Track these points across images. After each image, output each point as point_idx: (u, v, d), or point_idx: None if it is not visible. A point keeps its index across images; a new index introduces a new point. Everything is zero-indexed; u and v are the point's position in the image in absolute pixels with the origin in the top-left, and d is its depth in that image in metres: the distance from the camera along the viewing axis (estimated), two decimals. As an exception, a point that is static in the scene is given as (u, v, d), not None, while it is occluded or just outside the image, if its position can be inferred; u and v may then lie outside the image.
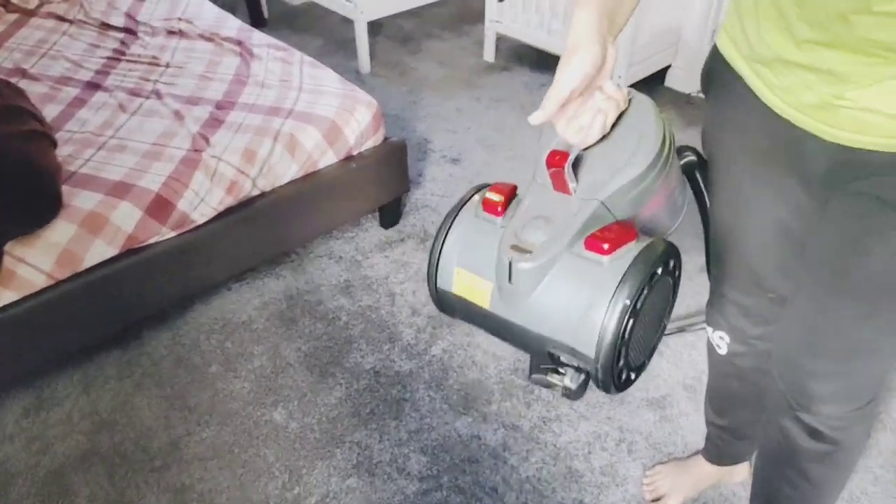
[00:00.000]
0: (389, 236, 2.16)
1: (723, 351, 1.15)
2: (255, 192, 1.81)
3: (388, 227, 2.19)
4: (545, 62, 3.03)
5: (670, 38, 2.80)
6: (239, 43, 2.25)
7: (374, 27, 3.28)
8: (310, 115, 1.89)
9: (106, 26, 2.38)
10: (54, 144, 1.63)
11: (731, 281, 1.04)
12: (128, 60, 2.17)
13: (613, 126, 0.74)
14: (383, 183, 2.06)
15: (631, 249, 0.69)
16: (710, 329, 1.15)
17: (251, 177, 1.76)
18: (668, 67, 2.90)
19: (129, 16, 2.44)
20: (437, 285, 0.78)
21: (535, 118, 0.69)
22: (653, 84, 2.89)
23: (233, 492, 1.47)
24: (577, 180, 0.72)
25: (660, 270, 0.70)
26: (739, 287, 1.03)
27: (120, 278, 1.62)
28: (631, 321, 0.68)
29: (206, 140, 1.77)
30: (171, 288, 1.76)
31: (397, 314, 1.88)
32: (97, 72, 2.10)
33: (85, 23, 2.39)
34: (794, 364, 0.89)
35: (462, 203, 0.80)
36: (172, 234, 1.68)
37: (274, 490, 1.47)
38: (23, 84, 2.01)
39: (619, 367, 0.71)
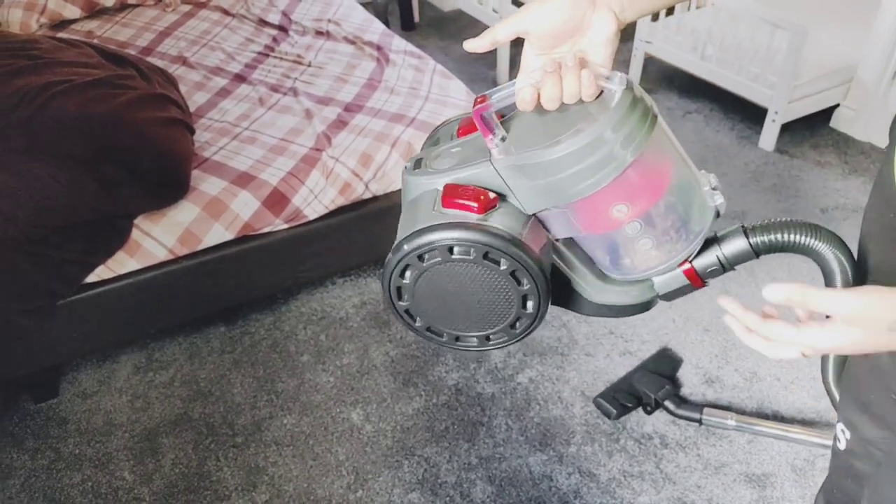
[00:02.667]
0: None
1: (842, 445, 1.00)
2: (367, 195, 1.85)
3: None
4: (695, 88, 2.85)
5: (843, 75, 2.53)
6: (378, 48, 2.32)
7: (519, 38, 3.25)
8: (430, 125, 1.90)
9: (263, 22, 2.54)
10: (191, 131, 1.76)
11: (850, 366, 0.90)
12: (275, 56, 2.30)
13: (575, 105, 0.65)
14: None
15: (467, 217, 0.64)
16: (837, 415, 1.01)
17: (364, 180, 1.81)
18: (836, 106, 2.62)
19: (284, 14, 2.59)
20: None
21: (468, 44, 0.66)
22: (816, 123, 2.63)
23: (300, 482, 1.51)
24: (504, 134, 0.66)
25: (472, 252, 0.63)
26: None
27: (232, 261, 1.73)
28: (414, 269, 0.65)
29: (329, 140, 1.84)
30: (279, 276, 1.85)
31: (489, 334, 1.85)
32: (246, 65, 2.25)
33: (245, 17, 2.58)
34: None
35: (463, 115, 0.80)
36: (285, 225, 1.76)
37: (339, 489, 1.50)
38: (181, 71, 2.20)
39: (403, 306, 0.69)
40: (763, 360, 1.75)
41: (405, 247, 0.64)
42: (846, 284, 0.67)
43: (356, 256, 1.95)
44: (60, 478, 1.52)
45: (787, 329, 0.58)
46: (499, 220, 0.64)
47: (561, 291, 0.73)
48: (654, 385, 1.62)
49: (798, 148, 2.54)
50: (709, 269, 0.70)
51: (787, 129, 2.54)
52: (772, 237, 0.66)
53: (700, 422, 1.56)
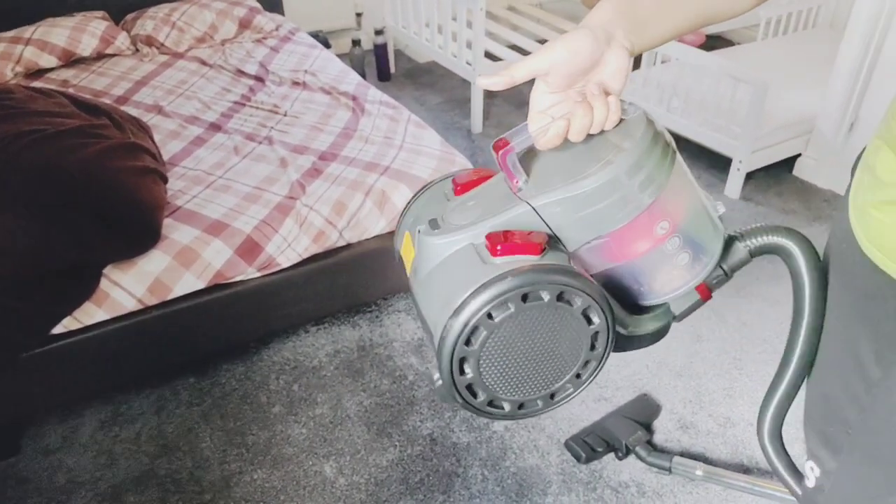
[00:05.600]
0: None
1: (810, 483, 1.01)
2: (342, 243, 1.85)
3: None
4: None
5: (803, 126, 2.62)
6: (354, 98, 2.36)
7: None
8: (404, 174, 1.92)
9: (240, 73, 2.58)
10: (164, 180, 1.76)
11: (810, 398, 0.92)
12: (251, 106, 2.32)
13: (595, 137, 0.66)
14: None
15: (528, 261, 0.60)
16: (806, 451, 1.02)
17: (338, 228, 1.81)
18: (798, 156, 2.71)
19: (262, 65, 2.63)
20: (396, 246, 0.77)
21: (482, 80, 0.64)
22: (780, 171, 2.71)
23: (270, 540, 1.46)
24: (526, 177, 0.65)
25: (545, 295, 0.59)
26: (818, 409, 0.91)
27: (203, 310, 1.70)
28: (483, 331, 0.59)
29: (303, 188, 1.84)
30: (251, 325, 1.82)
31: (464, 382, 1.83)
32: (222, 114, 2.27)
33: (223, 68, 2.61)
34: None
35: (444, 178, 0.77)
36: (257, 274, 1.75)
37: (309, 546, 1.45)
38: (156, 120, 2.21)
39: (465, 381, 0.61)
40: (737, 405, 1.76)
41: (472, 306, 0.58)
42: (813, 283, 0.74)
43: (330, 304, 1.94)
44: (17, 540, 1.45)
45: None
46: (558, 257, 0.62)
47: None
48: (625, 430, 1.61)
49: (763, 195, 2.61)
50: (714, 280, 0.73)
51: (751, 177, 2.62)
52: (760, 239, 0.73)
53: (669, 470, 1.55)
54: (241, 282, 1.74)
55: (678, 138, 2.81)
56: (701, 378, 1.84)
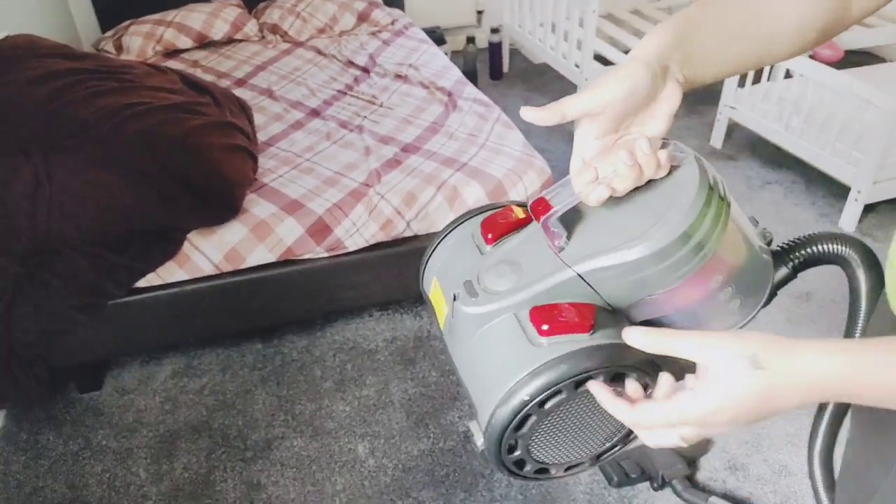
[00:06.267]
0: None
1: None
2: (409, 234, 1.90)
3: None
4: (779, 159, 2.73)
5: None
6: (449, 94, 2.40)
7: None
8: (479, 171, 1.93)
9: (350, 63, 2.70)
10: (254, 158, 1.89)
11: None
12: (352, 95, 2.43)
13: (642, 189, 0.60)
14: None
15: (578, 341, 0.57)
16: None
17: (406, 219, 1.86)
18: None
19: (371, 57, 2.73)
20: (423, 284, 0.73)
21: (526, 112, 0.57)
22: (907, 207, 2.44)
23: (296, 505, 1.54)
24: (568, 239, 0.61)
25: (599, 377, 0.57)
26: None
27: (272, 282, 1.82)
28: (534, 417, 0.57)
29: (379, 177, 1.91)
30: (315, 302, 1.92)
31: (511, 386, 1.83)
32: (324, 101, 2.39)
33: (335, 58, 2.74)
34: None
35: (473, 213, 0.72)
36: (325, 254, 1.84)
37: (331, 518, 1.52)
38: (265, 103, 2.37)
39: (513, 458, 0.60)
40: (798, 454, 1.61)
41: (524, 396, 0.55)
42: (869, 298, 0.69)
43: (394, 292, 1.99)
44: (84, 466, 1.64)
45: (654, 410, 0.53)
46: (607, 332, 0.58)
47: None
48: (665, 461, 1.53)
49: (883, 231, 2.35)
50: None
51: (872, 209, 2.37)
52: (802, 252, 0.70)
53: (706, 510, 1.46)
54: (310, 260, 1.83)
55: (794, 160, 2.60)
56: (763, 421, 1.70)
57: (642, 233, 0.57)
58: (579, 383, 0.56)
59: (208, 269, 1.76)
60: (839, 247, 0.69)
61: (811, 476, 0.86)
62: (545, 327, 0.57)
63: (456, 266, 0.67)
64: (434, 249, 0.71)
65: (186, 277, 1.75)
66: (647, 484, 1.55)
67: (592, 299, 0.61)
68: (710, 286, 0.61)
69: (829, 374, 0.45)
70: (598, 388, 0.55)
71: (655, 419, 0.53)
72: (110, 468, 1.63)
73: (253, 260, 1.78)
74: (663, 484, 1.52)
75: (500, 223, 0.67)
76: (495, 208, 0.72)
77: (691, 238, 0.57)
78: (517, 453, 0.60)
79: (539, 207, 0.59)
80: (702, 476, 1.58)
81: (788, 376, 0.47)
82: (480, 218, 0.70)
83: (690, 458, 1.59)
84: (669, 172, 0.60)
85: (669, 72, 0.58)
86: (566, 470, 0.64)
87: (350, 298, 1.95)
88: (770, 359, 0.47)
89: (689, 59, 0.59)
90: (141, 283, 1.72)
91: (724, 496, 1.51)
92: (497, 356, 0.60)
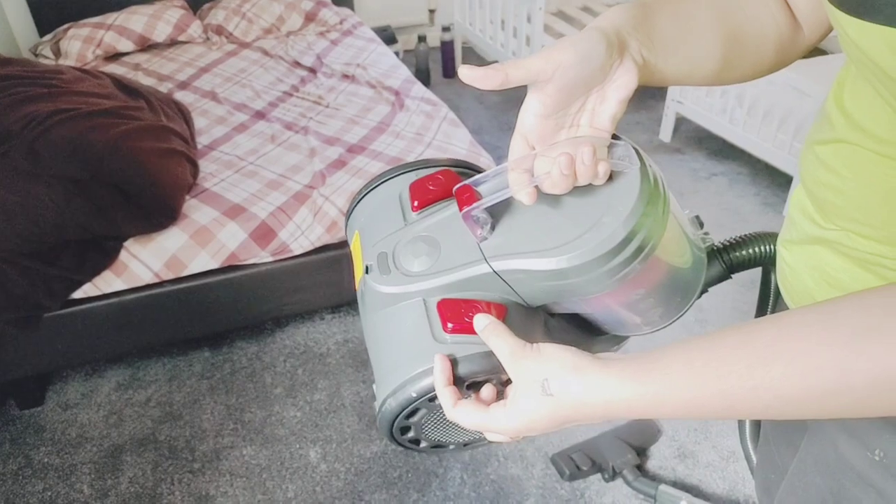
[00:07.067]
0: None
1: None
2: (356, 235, 1.88)
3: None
4: (725, 151, 2.78)
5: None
6: (397, 93, 2.38)
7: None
8: (425, 170, 1.92)
9: (297, 64, 2.66)
10: (192, 163, 1.85)
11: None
12: (298, 96, 2.40)
13: (583, 187, 0.56)
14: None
15: (480, 344, 0.55)
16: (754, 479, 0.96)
17: (352, 219, 1.84)
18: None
19: (318, 57, 2.70)
20: (347, 233, 0.71)
21: (464, 70, 0.51)
22: None
23: (246, 515, 1.51)
24: (492, 229, 0.58)
25: (493, 379, 0.56)
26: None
27: (216, 289, 1.78)
28: (423, 410, 0.57)
29: (323, 179, 1.89)
30: (263, 307, 1.89)
31: (464, 384, 1.82)
32: (270, 103, 2.35)
33: (282, 59, 2.71)
34: None
35: (409, 168, 0.68)
36: (270, 258, 1.81)
37: (282, 526, 1.49)
38: (208, 106, 2.33)
39: (409, 437, 0.61)
40: (745, 440, 1.64)
41: (412, 393, 0.55)
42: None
43: (344, 293, 1.97)
44: (24, 485, 1.58)
45: (474, 414, 0.53)
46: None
47: None
48: (615, 452, 1.54)
49: (825, 218, 2.41)
50: None
51: (814, 197, 2.42)
52: (737, 254, 0.69)
53: (655, 499, 1.47)
54: (255, 265, 1.80)
55: (740, 152, 2.65)
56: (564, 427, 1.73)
57: (569, 241, 0.54)
58: (473, 384, 0.55)
59: (148, 278, 1.72)
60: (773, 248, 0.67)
61: (747, 458, 0.88)
62: (450, 325, 0.56)
63: (378, 226, 0.65)
64: (361, 198, 0.68)
65: (125, 287, 1.71)
66: (598, 476, 1.56)
67: (510, 296, 0.59)
68: (633, 297, 0.60)
69: (617, 399, 0.47)
70: (444, 396, 0.54)
71: (476, 424, 0.53)
72: (52, 486, 1.58)
73: (195, 267, 1.74)
74: (614, 475, 1.53)
75: (429, 190, 0.64)
76: (433, 167, 0.68)
77: (622, 251, 0.54)
78: (411, 434, 0.60)
79: (464, 196, 0.56)
80: (652, 465, 1.60)
81: (576, 402, 0.48)
82: (413, 176, 0.67)
83: (640, 447, 1.61)
84: (612, 176, 0.56)
85: (628, 50, 0.53)
86: (465, 446, 0.64)
87: (299, 302, 1.92)
88: (557, 388, 0.48)
89: (651, 40, 0.55)
90: (78, 294, 1.67)
91: (674, 484, 1.53)
92: (398, 342, 0.58)
